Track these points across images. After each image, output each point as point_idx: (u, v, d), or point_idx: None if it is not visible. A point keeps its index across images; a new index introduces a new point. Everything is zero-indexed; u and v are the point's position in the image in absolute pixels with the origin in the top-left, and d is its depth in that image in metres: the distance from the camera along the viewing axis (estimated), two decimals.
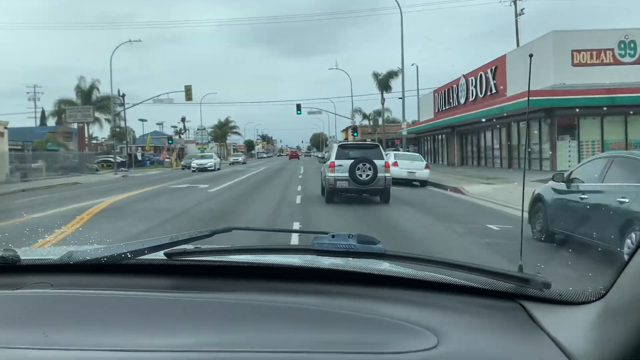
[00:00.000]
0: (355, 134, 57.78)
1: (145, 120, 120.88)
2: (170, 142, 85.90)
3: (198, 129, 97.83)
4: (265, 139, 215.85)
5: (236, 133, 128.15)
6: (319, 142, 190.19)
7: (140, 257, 1.37)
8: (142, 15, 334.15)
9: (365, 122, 77.07)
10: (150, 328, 1.09)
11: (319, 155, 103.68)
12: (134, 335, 1.05)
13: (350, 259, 1.39)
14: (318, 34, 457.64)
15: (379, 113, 72.24)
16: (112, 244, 1.51)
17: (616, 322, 0.99)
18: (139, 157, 66.51)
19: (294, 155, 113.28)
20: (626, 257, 1.05)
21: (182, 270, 1.40)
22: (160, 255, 1.36)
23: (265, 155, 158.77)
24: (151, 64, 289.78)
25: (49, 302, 1.20)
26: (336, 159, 15.83)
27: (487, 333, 1.13)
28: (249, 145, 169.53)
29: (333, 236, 1.31)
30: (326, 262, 1.41)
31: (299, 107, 59.81)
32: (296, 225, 11.56)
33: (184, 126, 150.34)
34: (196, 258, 1.38)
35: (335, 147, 17.41)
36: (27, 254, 1.56)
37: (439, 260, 1.32)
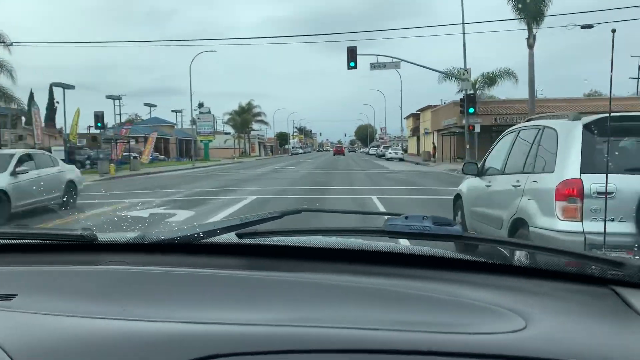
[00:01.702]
0: (472, 110, 32.00)
1: (154, 106, 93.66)
2: (130, 127, 55.26)
3: (200, 111, 67.75)
4: (303, 131, 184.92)
5: (262, 122, 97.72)
6: (365, 135, 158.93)
7: (212, 238, 1.40)
8: (186, 11, 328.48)
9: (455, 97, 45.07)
10: (221, 303, 1.11)
11: (369, 152, 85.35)
12: (205, 310, 1.08)
13: (425, 241, 1.33)
14: (362, 28, 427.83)
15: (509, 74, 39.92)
16: (189, 225, 1.52)
17: None
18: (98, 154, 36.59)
19: (339, 151, 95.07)
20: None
21: (253, 251, 1.41)
22: (232, 236, 1.39)
23: (301, 151, 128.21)
24: (196, 59, 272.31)
25: (126, 278, 1.25)
26: (585, 170, 4.22)
27: (579, 318, 1.06)
28: (282, 138, 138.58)
29: (406, 217, 1.28)
30: (400, 244, 1.39)
31: (352, 54, 28.46)
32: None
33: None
34: (266, 239, 1.41)
35: (573, 128, 4.53)
36: (104, 235, 1.59)
37: (519, 243, 1.26)
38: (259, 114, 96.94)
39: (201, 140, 67.79)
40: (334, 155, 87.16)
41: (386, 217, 1.32)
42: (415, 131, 69.46)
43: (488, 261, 1.30)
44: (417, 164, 45.02)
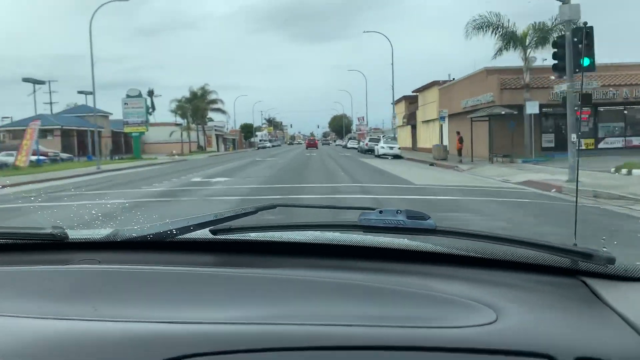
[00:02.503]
0: (588, 62, 14.24)
1: (90, 93, 75.98)
2: None
3: (128, 94, 51.00)
4: (272, 123, 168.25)
5: (219, 110, 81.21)
6: (340, 126, 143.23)
7: (185, 235, 1.38)
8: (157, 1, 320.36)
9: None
10: (195, 301, 1.11)
11: (347, 145, 73.14)
12: (178, 309, 1.07)
13: (399, 234, 1.32)
14: (334, 19, 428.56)
15: None
16: (159, 221, 1.53)
17: None
18: None
19: (312, 144, 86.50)
20: None
21: (227, 247, 1.41)
22: (205, 232, 1.37)
23: (269, 145, 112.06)
24: (166, 50, 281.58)
25: (97, 277, 1.23)
26: None
27: (549, 309, 1.09)
28: (246, 130, 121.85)
29: (381, 212, 1.27)
30: (374, 238, 1.38)
31: None
32: None
33: (152, 102, 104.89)
34: (239, 235, 1.38)
35: None
36: (75, 232, 1.57)
37: (492, 236, 1.28)
38: (214, 101, 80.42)
39: (130, 133, 51.39)
40: (306, 148, 79.29)
41: (361, 211, 1.30)
42: (410, 118, 53.80)
43: (460, 254, 1.32)
44: (431, 164, 29.41)
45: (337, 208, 2.31)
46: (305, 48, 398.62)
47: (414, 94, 52.23)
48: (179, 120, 76.73)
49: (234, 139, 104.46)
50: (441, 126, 41.26)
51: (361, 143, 59.64)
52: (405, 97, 56.62)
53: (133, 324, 0.99)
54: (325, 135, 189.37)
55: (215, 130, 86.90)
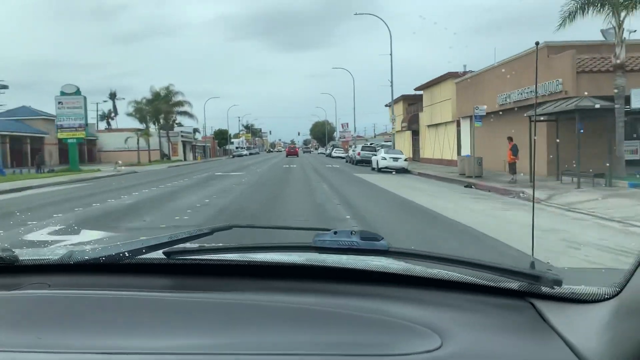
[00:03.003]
0: None
1: (6, 87, 64.39)
2: None
3: (62, 92, 40.64)
4: (251, 129, 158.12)
5: (185, 114, 71.04)
6: (322, 133, 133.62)
7: (139, 257, 1.35)
8: (136, 7, 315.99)
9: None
10: (147, 329, 1.08)
11: (332, 154, 66.00)
12: (130, 337, 1.05)
13: (352, 256, 1.34)
14: (313, 28, 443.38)
15: None
16: (111, 242, 1.49)
17: (632, 321, 0.95)
18: None
19: (292, 152, 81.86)
20: None
21: (182, 270, 1.39)
22: (159, 254, 1.35)
23: (245, 153, 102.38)
24: (145, 57, 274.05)
25: (45, 303, 1.19)
26: None
27: (495, 333, 1.10)
28: (221, 136, 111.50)
29: (335, 232, 1.29)
30: (328, 259, 1.38)
31: None
32: None
33: (114, 106, 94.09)
34: (195, 257, 1.38)
35: None
36: (26, 253, 1.53)
37: (444, 257, 1.29)
38: (180, 103, 70.31)
39: (65, 139, 41.10)
40: (286, 156, 75.07)
41: (316, 232, 1.31)
42: (412, 122, 44.18)
43: (409, 274, 1.31)
44: (468, 186, 19.73)
45: (293, 229, 2.19)
46: (286, 56, 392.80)
47: (417, 92, 42.70)
48: (141, 124, 66.65)
49: (204, 147, 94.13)
50: (458, 131, 31.81)
51: (351, 152, 49.77)
52: (404, 97, 47.06)
53: (76, 356, 0.96)
54: (306, 143, 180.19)
55: (183, 136, 76.56)
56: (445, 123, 34.64)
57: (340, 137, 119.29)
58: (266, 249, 1.43)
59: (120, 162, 43.70)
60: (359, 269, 1.33)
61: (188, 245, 1.39)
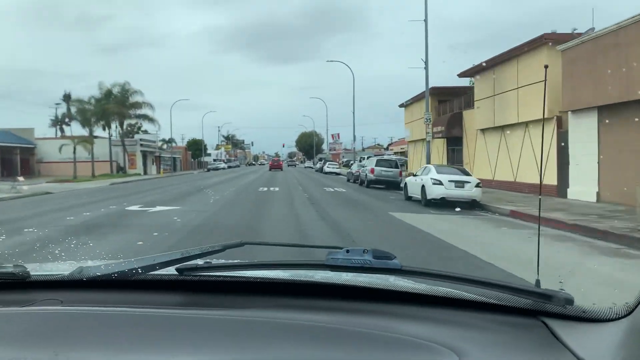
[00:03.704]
0: None
1: None
2: None
3: None
4: (231, 140, 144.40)
5: (146, 118, 57.21)
6: (309, 145, 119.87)
7: (151, 273, 1.35)
8: (121, 18, 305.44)
9: None
10: (160, 346, 1.09)
11: (325, 170, 52.73)
12: (142, 354, 1.05)
13: (365, 274, 1.34)
14: (301, 41, 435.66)
15: None
16: (124, 259, 1.48)
17: None
18: None
19: (276, 165, 74.25)
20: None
21: (194, 286, 1.38)
22: (171, 270, 1.35)
23: (223, 166, 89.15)
24: (130, 67, 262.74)
25: (59, 319, 1.20)
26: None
27: (509, 351, 1.11)
28: (195, 147, 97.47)
29: (348, 251, 1.29)
30: (341, 277, 1.38)
31: None
32: None
33: (68, 109, 79.62)
34: (207, 274, 1.36)
35: None
36: (38, 269, 1.53)
37: (456, 276, 1.29)
38: (138, 104, 56.47)
39: None
40: (270, 170, 68.84)
41: (328, 250, 1.31)
42: (452, 126, 30.28)
43: (423, 293, 1.31)
44: None
45: (305, 247, 2.24)
46: (272, 69, 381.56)
47: (466, 78, 29.34)
48: (84, 129, 52.78)
49: (174, 158, 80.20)
50: (561, 136, 18.60)
51: (355, 167, 36.16)
52: (435, 90, 32.93)
53: None
54: (291, 155, 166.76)
55: (143, 145, 62.65)
56: (528, 123, 21.29)
57: (330, 149, 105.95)
58: (278, 266, 1.41)
59: (21, 178, 30.15)
60: (373, 287, 1.32)
61: (200, 261, 1.37)
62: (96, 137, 51.78)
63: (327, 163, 60.01)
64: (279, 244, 2.20)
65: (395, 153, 74.60)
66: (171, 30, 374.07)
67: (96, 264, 1.46)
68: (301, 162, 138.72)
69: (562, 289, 1.27)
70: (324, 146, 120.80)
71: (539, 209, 1.99)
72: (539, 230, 1.84)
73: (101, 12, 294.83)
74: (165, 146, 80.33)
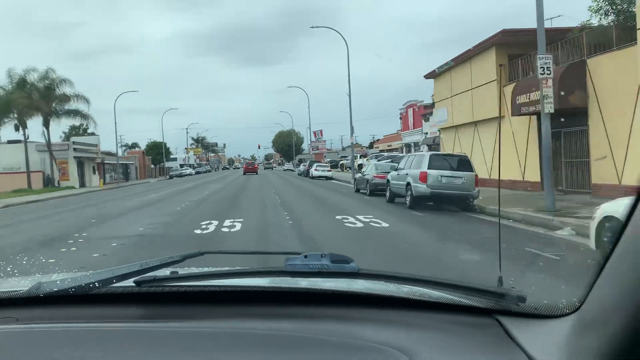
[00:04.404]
0: None
1: None
2: None
3: None
4: (202, 143, 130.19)
5: (77, 114, 43.40)
6: (288, 145, 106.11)
7: (109, 286, 1.33)
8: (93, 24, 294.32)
9: None
10: None
11: (313, 174, 43.37)
12: None
13: (324, 279, 1.35)
14: (273, 44, 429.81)
15: None
16: (81, 272, 1.45)
17: (591, 334, 0.97)
18: None
19: (251, 168, 67.91)
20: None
21: (153, 298, 1.35)
22: (130, 283, 1.32)
23: (189, 172, 75.80)
24: (102, 74, 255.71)
25: (13, 338, 1.17)
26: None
27: (462, 351, 1.11)
28: (155, 152, 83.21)
29: (306, 256, 1.29)
30: (299, 283, 1.39)
31: None
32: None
33: None
34: (166, 284, 1.34)
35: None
36: None
37: (412, 278, 1.30)
38: (66, 97, 42.59)
39: None
40: (244, 174, 63.52)
41: (286, 256, 1.31)
42: (570, 88, 15.47)
43: (376, 294, 1.32)
44: None
45: (264, 253, 2.30)
46: (246, 71, 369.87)
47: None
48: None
49: (126, 165, 66.15)
50: None
51: (369, 169, 23.06)
52: (505, 37, 20.01)
53: None
54: (268, 158, 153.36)
55: (78, 149, 48.54)
56: None
57: (312, 148, 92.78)
58: (238, 274, 1.40)
59: None
60: (328, 291, 1.32)
61: (159, 273, 1.35)
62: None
63: (316, 165, 46.64)
64: (238, 252, 2.20)
65: (382, 151, 61.65)
66: (143, 35, 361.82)
67: (52, 280, 1.42)
68: (279, 165, 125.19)
69: (513, 287, 1.29)
70: (304, 145, 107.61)
71: (499, 203, 2.03)
72: (499, 225, 1.86)
73: (71, 20, 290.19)
74: (125, 152, 66.43)
